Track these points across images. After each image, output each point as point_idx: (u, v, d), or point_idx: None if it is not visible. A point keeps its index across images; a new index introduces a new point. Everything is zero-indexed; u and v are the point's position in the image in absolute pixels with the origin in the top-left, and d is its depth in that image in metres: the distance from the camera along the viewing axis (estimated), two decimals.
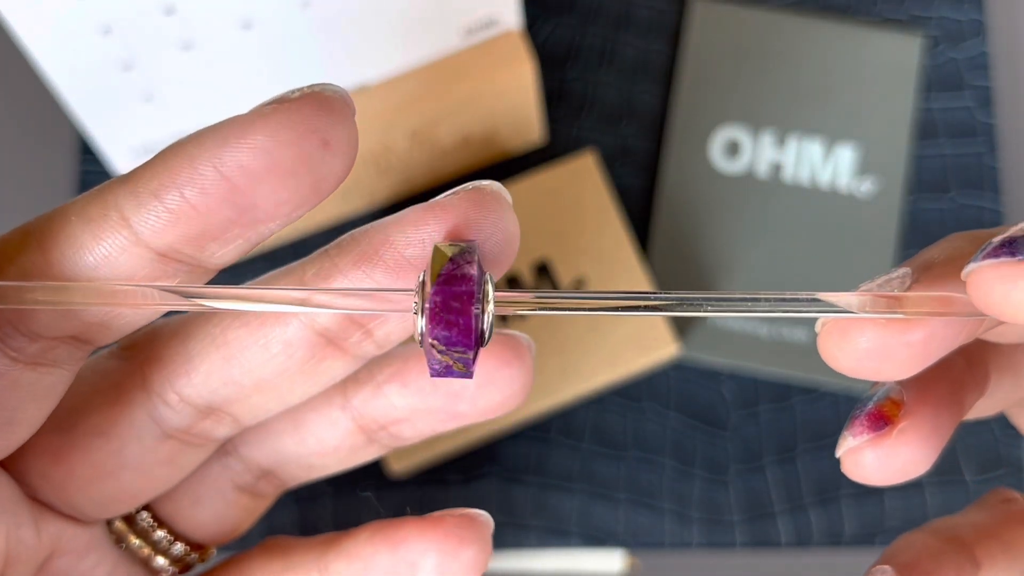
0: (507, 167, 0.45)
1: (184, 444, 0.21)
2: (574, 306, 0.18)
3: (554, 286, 0.41)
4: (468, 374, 0.17)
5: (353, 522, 0.43)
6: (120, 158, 0.36)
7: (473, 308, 0.17)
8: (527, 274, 0.41)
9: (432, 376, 0.17)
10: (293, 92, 0.17)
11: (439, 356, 0.17)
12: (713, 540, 0.42)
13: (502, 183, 0.43)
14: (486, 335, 0.17)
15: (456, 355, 0.17)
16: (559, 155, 0.45)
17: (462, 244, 0.17)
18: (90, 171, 0.45)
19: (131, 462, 0.20)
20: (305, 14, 0.33)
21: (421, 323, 0.17)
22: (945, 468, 0.43)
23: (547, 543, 0.42)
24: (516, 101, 0.40)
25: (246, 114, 0.17)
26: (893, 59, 0.45)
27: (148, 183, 0.17)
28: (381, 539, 0.21)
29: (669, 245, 0.44)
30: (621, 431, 0.43)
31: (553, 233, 0.41)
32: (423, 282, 0.17)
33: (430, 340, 0.17)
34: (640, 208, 0.45)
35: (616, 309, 0.18)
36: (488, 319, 0.17)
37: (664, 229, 0.44)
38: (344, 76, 0.37)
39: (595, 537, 0.42)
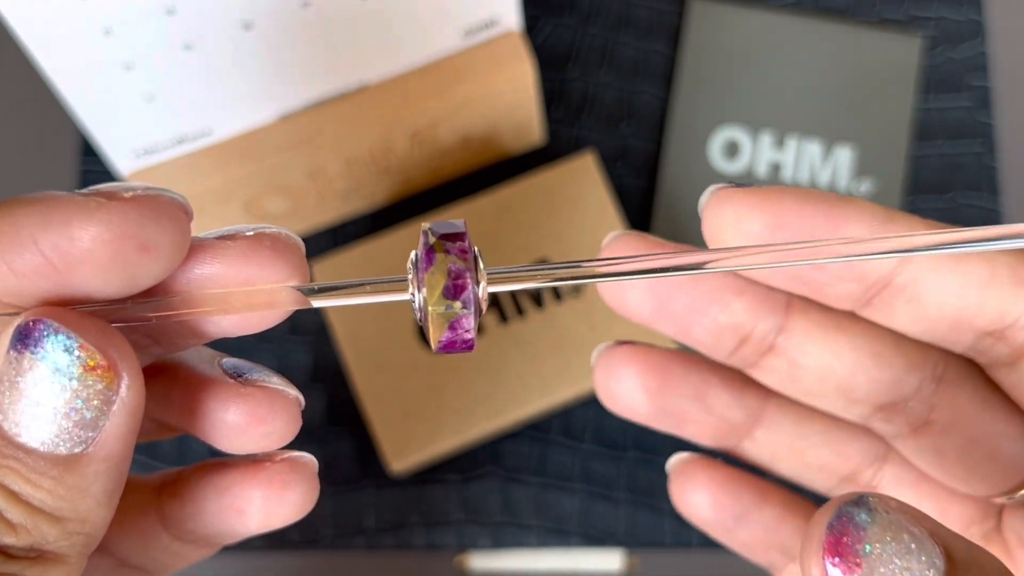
0: (507, 167, 0.45)
1: None
2: (574, 275, 0.18)
3: None
4: (469, 344, 0.18)
5: (353, 522, 0.43)
6: (121, 158, 0.36)
7: (470, 278, 0.17)
8: None
9: (436, 351, 0.18)
10: (127, 191, 0.17)
11: (444, 330, 0.18)
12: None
13: (502, 183, 0.43)
14: (483, 305, 0.18)
15: (460, 328, 0.18)
16: (559, 155, 0.45)
17: (450, 224, 0.18)
18: (91, 171, 0.45)
19: None
20: (305, 14, 0.33)
21: (419, 298, 0.17)
22: None
23: (547, 543, 0.42)
24: (516, 101, 0.40)
25: (80, 197, 0.17)
26: (892, 59, 0.45)
27: None
28: (208, 483, 0.21)
29: None
30: (621, 431, 0.43)
31: (553, 233, 0.41)
32: (416, 262, 0.18)
33: (439, 310, 0.17)
34: (640, 208, 0.45)
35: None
36: (483, 289, 0.18)
37: (664, 229, 0.44)
38: (344, 76, 0.37)
39: (595, 537, 0.42)
